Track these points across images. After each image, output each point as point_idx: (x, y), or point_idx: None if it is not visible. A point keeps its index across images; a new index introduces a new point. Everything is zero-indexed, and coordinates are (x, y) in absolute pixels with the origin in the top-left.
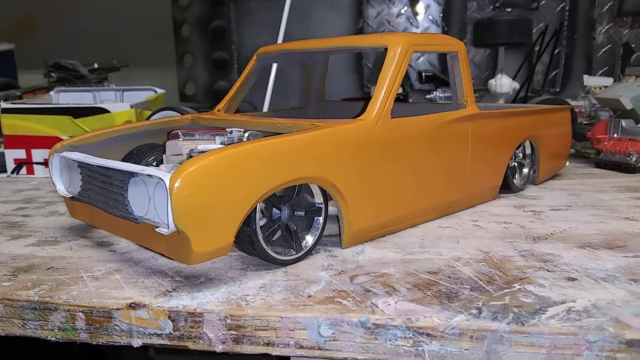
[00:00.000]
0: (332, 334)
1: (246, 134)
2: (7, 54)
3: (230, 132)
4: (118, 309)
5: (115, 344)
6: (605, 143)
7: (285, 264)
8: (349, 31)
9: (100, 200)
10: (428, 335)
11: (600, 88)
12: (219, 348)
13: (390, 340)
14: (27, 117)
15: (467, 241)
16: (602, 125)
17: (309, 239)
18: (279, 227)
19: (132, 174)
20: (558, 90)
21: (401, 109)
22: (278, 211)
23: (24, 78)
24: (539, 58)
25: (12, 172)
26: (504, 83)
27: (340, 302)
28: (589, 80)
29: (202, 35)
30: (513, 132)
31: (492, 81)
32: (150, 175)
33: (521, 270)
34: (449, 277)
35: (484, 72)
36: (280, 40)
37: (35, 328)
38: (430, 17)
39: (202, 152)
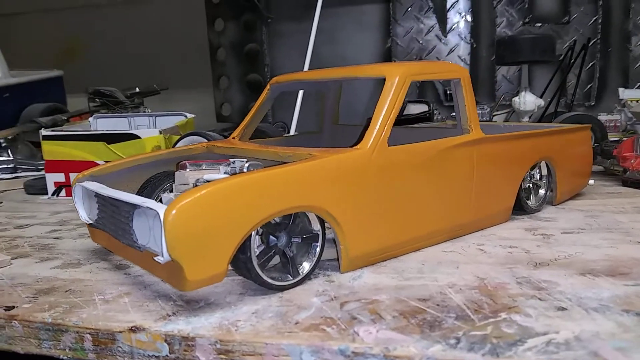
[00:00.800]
0: None
1: (246, 165)
2: (57, 79)
3: (233, 163)
4: (120, 332)
5: None
6: (632, 161)
7: (281, 289)
8: (378, 50)
9: (112, 228)
10: None
11: (637, 101)
12: None
13: None
14: (64, 143)
15: (467, 266)
16: (628, 143)
17: (306, 265)
18: (275, 254)
19: (135, 206)
20: (593, 104)
21: (405, 134)
22: (274, 238)
23: (72, 102)
24: (567, 73)
25: (53, 194)
26: (527, 100)
27: (325, 330)
28: (624, 93)
29: (236, 59)
30: (523, 155)
31: (515, 99)
32: (149, 208)
33: (513, 298)
34: (438, 305)
35: (515, 88)
36: (307, 62)
37: (50, 347)
38: (459, 33)
39: (208, 181)
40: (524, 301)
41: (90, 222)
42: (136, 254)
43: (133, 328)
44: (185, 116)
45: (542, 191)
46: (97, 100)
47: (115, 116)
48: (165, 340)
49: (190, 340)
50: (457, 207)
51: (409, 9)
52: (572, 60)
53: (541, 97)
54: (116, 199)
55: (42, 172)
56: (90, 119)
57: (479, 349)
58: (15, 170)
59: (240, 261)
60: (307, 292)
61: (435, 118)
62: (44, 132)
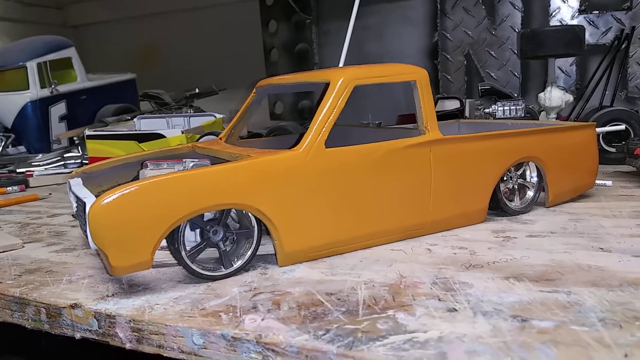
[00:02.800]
0: (203, 342)
1: (190, 164)
2: (130, 82)
3: (184, 162)
4: (64, 308)
5: (66, 334)
6: None
7: (212, 279)
8: (424, 45)
9: (80, 219)
10: (273, 351)
11: None
12: (127, 346)
13: (245, 353)
14: (104, 142)
15: (400, 265)
16: None
17: (242, 259)
18: (206, 246)
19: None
20: None
21: (365, 135)
22: (207, 232)
23: (144, 103)
24: (611, 66)
25: None
26: (554, 96)
27: (220, 316)
28: None
29: (287, 58)
30: (496, 155)
31: (541, 95)
32: (85, 203)
33: (414, 297)
34: (339, 299)
35: (573, 80)
36: (342, 59)
37: (18, 318)
38: (510, 25)
39: None
40: (423, 301)
41: (73, 213)
42: None
43: (73, 305)
44: (215, 117)
45: (530, 193)
46: (154, 104)
47: (155, 117)
48: (95, 317)
49: (112, 318)
50: (411, 208)
51: (458, 2)
52: (615, 52)
53: (585, 90)
54: (76, 194)
55: None
56: (135, 119)
57: (339, 341)
58: (82, 165)
59: (172, 252)
60: (234, 283)
61: (479, 113)
62: (87, 132)
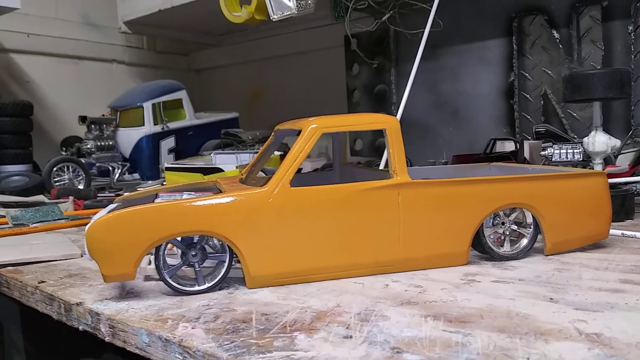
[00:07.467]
0: (148, 341)
1: (184, 196)
2: (233, 120)
3: (182, 194)
4: (73, 304)
5: (74, 326)
6: None
7: (187, 294)
8: (500, 85)
9: None
10: (188, 353)
11: None
12: (106, 339)
13: (172, 353)
14: (178, 173)
15: (346, 296)
16: None
17: (213, 279)
18: (183, 264)
19: None
20: None
21: (347, 175)
22: (185, 254)
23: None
24: None
25: None
26: (597, 141)
27: (167, 322)
28: None
29: (368, 99)
30: (472, 201)
31: (585, 139)
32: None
33: (328, 323)
34: (266, 320)
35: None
36: (403, 102)
37: (49, 310)
38: (592, 63)
39: None
40: (332, 327)
41: None
42: None
43: (78, 303)
44: (273, 153)
45: (525, 240)
46: (236, 141)
47: (227, 153)
48: (89, 314)
49: (98, 315)
50: (379, 246)
51: (537, 41)
52: None
53: None
54: None
55: None
56: (212, 154)
57: (233, 351)
58: None
59: (156, 268)
60: (201, 298)
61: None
62: (166, 164)
